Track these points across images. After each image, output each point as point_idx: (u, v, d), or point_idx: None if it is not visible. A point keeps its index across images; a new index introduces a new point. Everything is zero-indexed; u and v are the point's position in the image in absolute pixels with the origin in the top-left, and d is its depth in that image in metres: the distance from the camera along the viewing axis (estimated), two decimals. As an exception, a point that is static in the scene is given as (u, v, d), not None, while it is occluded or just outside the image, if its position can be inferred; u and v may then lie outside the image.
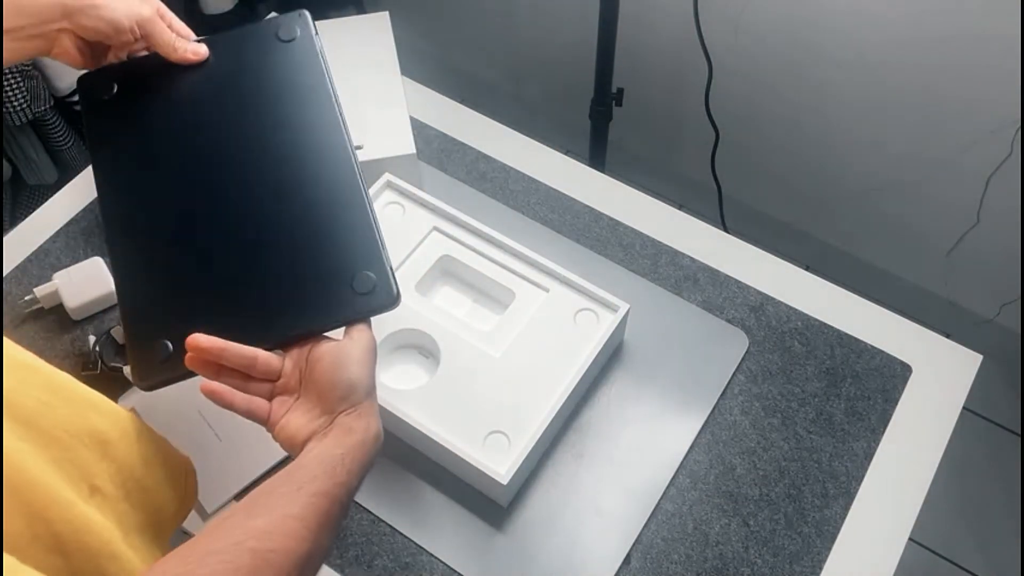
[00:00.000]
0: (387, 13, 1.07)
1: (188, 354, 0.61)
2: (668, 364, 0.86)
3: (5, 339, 0.58)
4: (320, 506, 0.54)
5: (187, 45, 0.73)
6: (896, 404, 0.84)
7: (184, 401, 0.81)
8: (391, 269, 0.66)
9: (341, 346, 0.62)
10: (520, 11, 1.75)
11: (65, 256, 0.94)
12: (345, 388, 0.60)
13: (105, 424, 0.62)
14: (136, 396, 0.82)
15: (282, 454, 0.80)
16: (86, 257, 0.92)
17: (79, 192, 1.00)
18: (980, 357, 0.87)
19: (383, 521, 0.77)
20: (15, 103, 1.33)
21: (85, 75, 0.74)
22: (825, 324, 0.89)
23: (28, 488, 0.52)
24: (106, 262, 0.91)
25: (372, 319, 0.65)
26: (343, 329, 0.64)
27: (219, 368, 0.61)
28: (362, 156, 0.92)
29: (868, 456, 0.81)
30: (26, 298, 0.89)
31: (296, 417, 0.61)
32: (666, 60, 1.61)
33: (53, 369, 0.60)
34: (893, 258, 1.67)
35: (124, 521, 0.59)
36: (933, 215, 1.53)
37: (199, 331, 0.60)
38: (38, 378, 0.58)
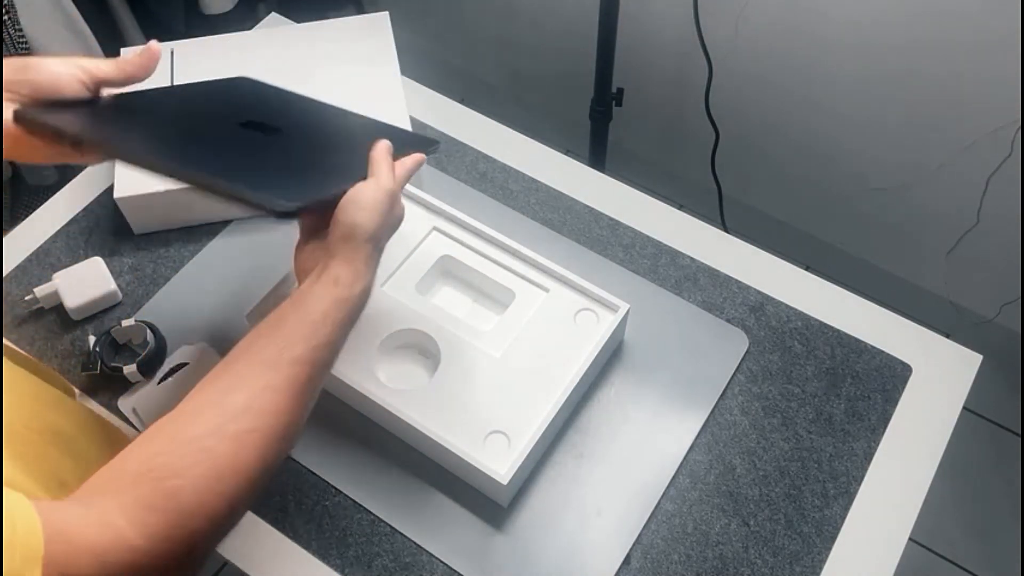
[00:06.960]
0: (387, 13, 1.07)
1: None
2: (668, 364, 0.86)
3: None
4: (300, 375, 0.55)
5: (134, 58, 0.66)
6: (896, 404, 0.84)
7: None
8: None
9: (357, 187, 0.62)
10: (520, 11, 1.75)
11: (65, 256, 0.94)
12: (345, 228, 0.60)
13: (62, 420, 0.61)
14: (136, 397, 0.82)
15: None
16: (86, 257, 0.92)
17: (79, 192, 1.00)
18: (980, 357, 0.87)
19: (383, 521, 0.77)
20: (15, 103, 1.33)
21: None
22: (825, 324, 0.89)
23: None
24: (106, 261, 0.91)
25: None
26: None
27: None
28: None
29: (868, 456, 0.81)
30: (26, 298, 0.89)
31: (311, 248, 0.63)
32: (666, 60, 1.61)
33: (7, 363, 0.60)
34: (893, 258, 1.67)
35: None
36: (933, 215, 1.53)
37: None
38: None
